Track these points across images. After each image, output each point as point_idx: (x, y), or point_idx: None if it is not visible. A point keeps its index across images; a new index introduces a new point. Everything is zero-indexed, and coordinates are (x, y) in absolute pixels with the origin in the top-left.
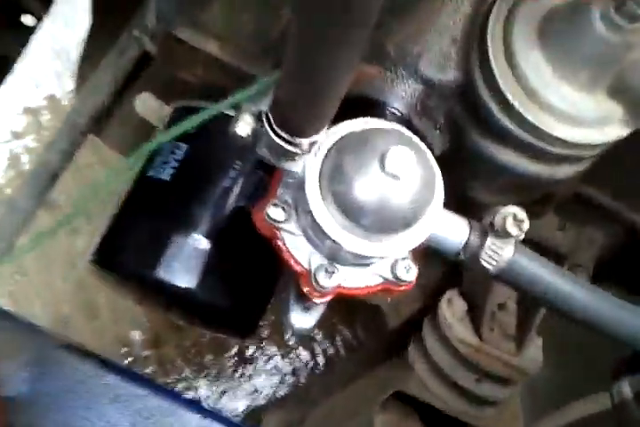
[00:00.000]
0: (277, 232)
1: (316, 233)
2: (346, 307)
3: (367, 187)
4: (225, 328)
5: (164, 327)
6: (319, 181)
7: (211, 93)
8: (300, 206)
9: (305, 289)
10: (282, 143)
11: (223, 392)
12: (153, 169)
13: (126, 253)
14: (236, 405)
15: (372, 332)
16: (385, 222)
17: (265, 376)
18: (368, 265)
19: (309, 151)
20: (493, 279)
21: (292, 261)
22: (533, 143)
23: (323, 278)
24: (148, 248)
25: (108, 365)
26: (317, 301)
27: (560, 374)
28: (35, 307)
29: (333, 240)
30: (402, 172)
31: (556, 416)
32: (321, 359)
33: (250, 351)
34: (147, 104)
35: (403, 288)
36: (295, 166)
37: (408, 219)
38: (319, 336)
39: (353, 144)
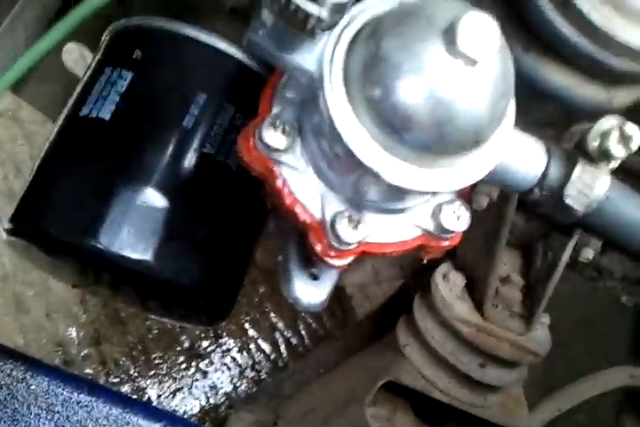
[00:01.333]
0: (275, 167)
1: (334, 164)
2: None
3: (425, 81)
4: (190, 313)
5: (104, 322)
6: (344, 80)
7: None
8: (308, 127)
9: (316, 248)
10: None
11: (176, 391)
12: (87, 106)
13: (55, 216)
14: (192, 404)
15: (339, 318)
16: (448, 137)
17: (222, 372)
18: (403, 211)
19: (330, 24)
20: (574, 225)
21: (296, 209)
22: (593, 54)
23: (344, 230)
24: (84, 209)
25: (38, 366)
26: (334, 263)
27: (559, 351)
28: None
29: (369, 169)
30: (480, 51)
31: (557, 398)
32: (284, 350)
33: (203, 344)
34: (76, 56)
35: (446, 244)
36: (304, 60)
37: (481, 130)
38: (280, 324)
39: (398, 20)
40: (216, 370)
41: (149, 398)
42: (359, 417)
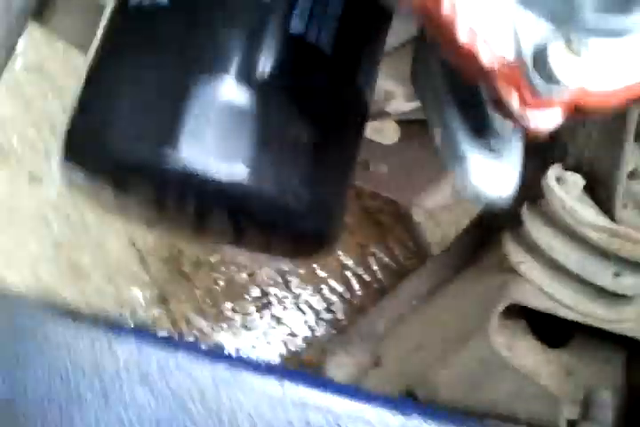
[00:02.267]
0: None
1: None
2: (371, 224)
3: None
4: (296, 241)
5: (168, 279)
6: None
7: None
8: None
9: (511, 95)
10: None
11: (253, 342)
12: None
13: (120, 130)
14: (271, 353)
15: (411, 249)
16: None
17: (297, 317)
18: (631, 30)
19: None
20: None
21: (477, 46)
22: None
23: (561, 59)
24: (154, 115)
25: (123, 330)
26: (537, 116)
27: None
28: (5, 274)
29: None
30: None
31: None
32: (358, 289)
33: (273, 291)
34: None
35: None
36: None
37: None
38: (350, 262)
39: None
40: (291, 317)
41: (228, 352)
42: (484, 349)
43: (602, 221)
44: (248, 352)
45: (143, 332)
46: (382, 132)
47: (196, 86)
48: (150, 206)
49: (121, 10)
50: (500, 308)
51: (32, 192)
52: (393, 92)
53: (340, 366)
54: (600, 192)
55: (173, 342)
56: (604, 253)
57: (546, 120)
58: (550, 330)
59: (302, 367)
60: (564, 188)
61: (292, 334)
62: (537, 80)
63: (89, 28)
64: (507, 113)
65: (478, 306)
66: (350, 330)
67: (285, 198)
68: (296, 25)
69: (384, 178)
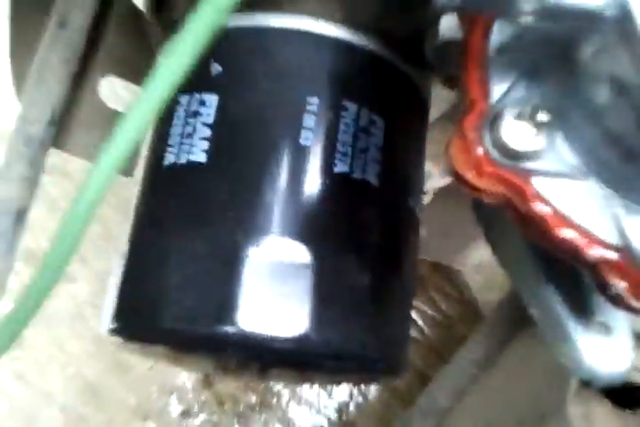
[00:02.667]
0: (529, 185)
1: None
2: None
3: None
4: (367, 378)
5: None
6: None
7: None
8: (573, 103)
9: (618, 287)
10: None
11: (303, 416)
12: (169, 152)
13: (174, 306)
14: (322, 422)
15: (454, 297)
16: None
17: (348, 386)
18: None
19: None
20: None
21: (577, 240)
22: None
23: None
24: (208, 287)
25: None
26: None
27: None
28: (49, 380)
29: None
30: None
31: None
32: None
33: None
34: (116, 90)
35: None
36: None
37: None
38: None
39: None
40: (339, 386)
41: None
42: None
43: None
44: (301, 425)
45: None
46: None
47: (245, 251)
48: (208, 364)
49: (155, 171)
50: (574, 383)
51: (68, 293)
52: (429, 172)
53: None
54: None
55: None
56: None
57: None
58: (626, 393)
59: None
60: None
61: (343, 403)
62: None
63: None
64: (615, 301)
65: (547, 377)
66: (411, 408)
67: (352, 348)
68: (340, 163)
69: (423, 241)
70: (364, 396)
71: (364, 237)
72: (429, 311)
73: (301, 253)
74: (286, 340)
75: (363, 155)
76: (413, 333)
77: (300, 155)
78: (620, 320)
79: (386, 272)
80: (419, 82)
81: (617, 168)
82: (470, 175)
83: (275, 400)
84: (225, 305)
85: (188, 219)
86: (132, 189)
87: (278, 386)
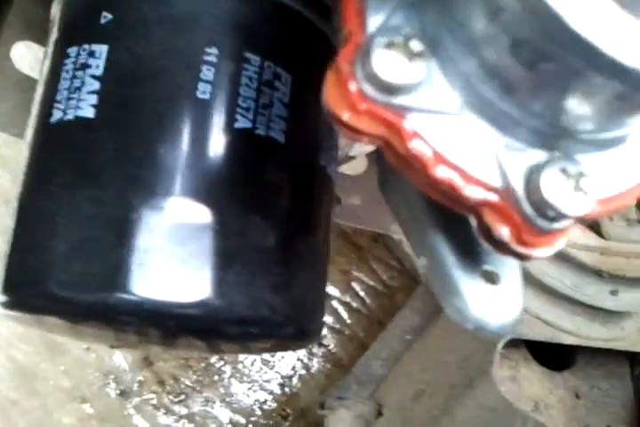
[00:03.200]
0: (405, 121)
1: (517, 82)
2: (351, 248)
3: None
4: (277, 343)
5: None
6: None
7: None
8: (449, 34)
9: (503, 233)
10: None
11: (248, 390)
12: (57, 108)
13: (64, 272)
14: (268, 398)
15: (396, 268)
16: None
17: (289, 357)
18: (623, 140)
19: None
20: None
21: (457, 181)
22: None
23: (562, 195)
24: (100, 252)
25: None
26: (538, 253)
27: None
28: None
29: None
30: None
31: None
32: (347, 317)
33: None
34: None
35: None
36: None
37: None
38: (334, 291)
39: None
40: (283, 356)
41: (221, 405)
42: (490, 397)
43: (590, 239)
44: (244, 402)
45: None
46: (349, 163)
47: (140, 214)
48: (109, 336)
49: (43, 128)
50: (501, 346)
51: None
52: None
53: (342, 422)
54: None
55: None
56: (598, 273)
57: (546, 251)
58: (554, 354)
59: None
60: None
61: (286, 377)
62: (533, 215)
63: (18, 113)
64: (499, 247)
65: (477, 343)
66: (346, 377)
67: (259, 312)
68: (242, 118)
69: (358, 210)
70: (307, 368)
71: (270, 196)
72: (371, 282)
73: (200, 214)
74: (186, 305)
75: (267, 110)
76: (355, 303)
77: (197, 109)
78: (509, 268)
79: (294, 234)
80: (329, 32)
81: (497, 103)
82: (346, 115)
83: (216, 378)
84: (116, 270)
85: (74, 179)
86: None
87: (219, 363)
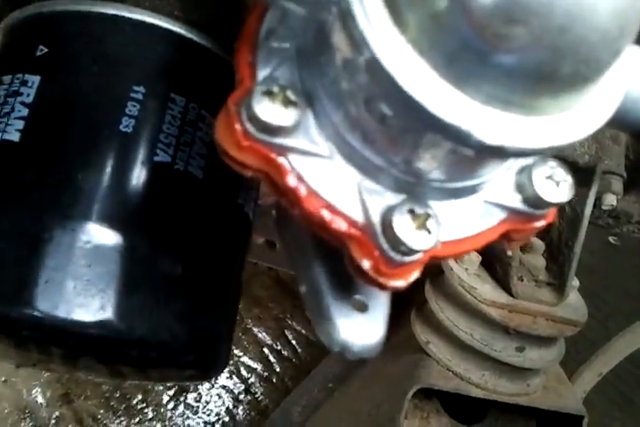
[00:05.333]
0: (281, 158)
1: (375, 137)
2: (287, 296)
3: None
4: (178, 372)
5: (72, 376)
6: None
7: None
8: (319, 87)
9: (365, 265)
10: None
11: None
12: None
13: None
14: None
15: None
16: (580, 48)
17: (214, 403)
18: (476, 190)
19: None
20: None
21: (325, 214)
22: None
23: (409, 232)
24: (8, 268)
25: None
26: (394, 283)
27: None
28: None
29: (451, 127)
30: None
31: (596, 363)
32: (277, 365)
33: None
34: None
35: (541, 224)
36: None
37: (623, 34)
38: (266, 337)
39: None
40: (207, 402)
41: None
42: None
43: (500, 296)
44: None
45: None
46: None
47: (53, 234)
48: (12, 353)
49: None
50: (410, 394)
51: None
52: None
53: None
54: (496, 267)
55: None
56: (505, 329)
57: (402, 281)
58: (465, 407)
59: None
60: (463, 265)
61: (209, 423)
62: (387, 248)
63: None
64: (362, 276)
65: (390, 392)
66: (263, 423)
67: (159, 337)
68: (162, 153)
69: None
70: (232, 415)
71: (183, 228)
72: (303, 331)
73: (110, 239)
74: (87, 325)
75: (187, 148)
76: (286, 352)
77: (118, 141)
78: (378, 298)
79: (204, 267)
80: None
81: (361, 151)
82: (232, 150)
83: (137, 419)
84: (22, 285)
85: None
86: None
87: (141, 405)
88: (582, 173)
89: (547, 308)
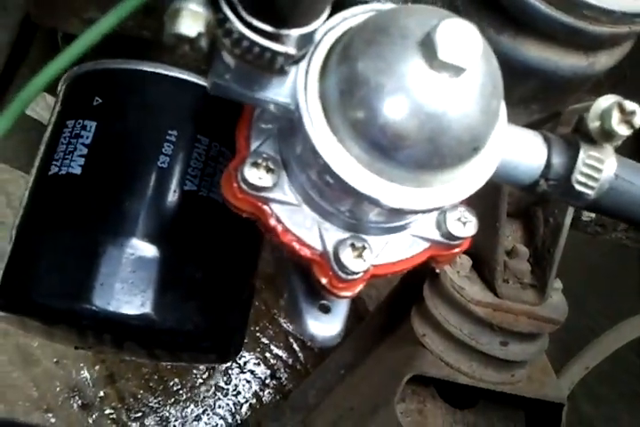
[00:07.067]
0: (265, 206)
1: (327, 193)
2: None
3: (410, 98)
4: (200, 355)
5: (115, 359)
6: (323, 108)
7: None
8: (291, 158)
9: (322, 281)
10: (258, 39)
11: (200, 414)
12: (54, 164)
13: (43, 286)
14: (219, 424)
15: (351, 311)
16: (444, 150)
17: (243, 386)
18: (406, 227)
19: (299, 57)
20: (586, 209)
21: (294, 245)
22: (571, 25)
23: (349, 259)
24: (72, 273)
25: None
26: (344, 294)
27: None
28: None
29: (366, 196)
30: (463, 59)
31: (583, 357)
32: (300, 354)
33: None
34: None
35: (457, 251)
36: (277, 94)
37: (477, 137)
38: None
39: (369, 38)
40: (236, 386)
41: (175, 426)
42: (390, 419)
43: (486, 296)
44: (195, 425)
45: None
46: None
47: (106, 248)
48: (75, 337)
49: (41, 177)
50: (406, 379)
51: None
52: None
53: None
54: (484, 271)
55: None
56: (490, 326)
57: (350, 293)
58: (458, 393)
59: None
60: (455, 267)
61: (238, 404)
62: (337, 270)
63: (21, 149)
64: (323, 288)
65: (389, 377)
66: (283, 403)
67: (185, 326)
68: (190, 183)
69: None
70: (259, 398)
71: (204, 242)
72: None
73: (149, 252)
74: (131, 317)
75: (210, 178)
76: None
77: (156, 174)
78: (339, 304)
79: (219, 271)
80: None
81: (318, 202)
82: (232, 200)
83: (172, 400)
84: (83, 287)
85: (60, 218)
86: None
87: (177, 386)
88: None
89: (528, 307)
